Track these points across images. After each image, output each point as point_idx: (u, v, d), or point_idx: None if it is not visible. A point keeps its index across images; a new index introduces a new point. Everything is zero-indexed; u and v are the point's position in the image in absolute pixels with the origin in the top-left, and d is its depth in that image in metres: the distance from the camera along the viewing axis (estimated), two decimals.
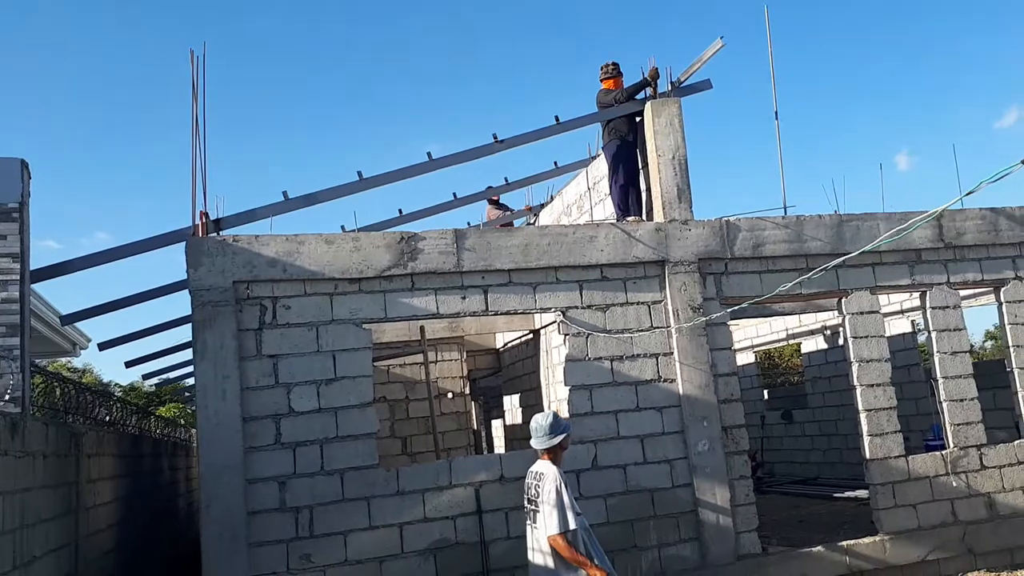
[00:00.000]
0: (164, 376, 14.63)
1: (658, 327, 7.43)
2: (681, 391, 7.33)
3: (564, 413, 10.49)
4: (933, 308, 8.31)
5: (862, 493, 10.48)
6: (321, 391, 6.56)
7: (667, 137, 7.79)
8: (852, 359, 8.01)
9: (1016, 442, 8.28)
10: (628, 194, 8.00)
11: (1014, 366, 8.45)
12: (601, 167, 9.34)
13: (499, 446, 18.10)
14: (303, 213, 7.18)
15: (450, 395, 11.30)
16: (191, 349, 7.11)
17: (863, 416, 7.90)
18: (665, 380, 7.38)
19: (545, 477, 4.75)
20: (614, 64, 8.34)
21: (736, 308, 7.57)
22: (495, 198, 10.88)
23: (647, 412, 7.28)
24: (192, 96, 6.78)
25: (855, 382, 7.99)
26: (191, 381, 17.63)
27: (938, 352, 8.24)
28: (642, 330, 7.39)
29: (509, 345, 13.14)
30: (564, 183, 10.92)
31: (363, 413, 6.62)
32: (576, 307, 7.29)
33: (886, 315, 13.00)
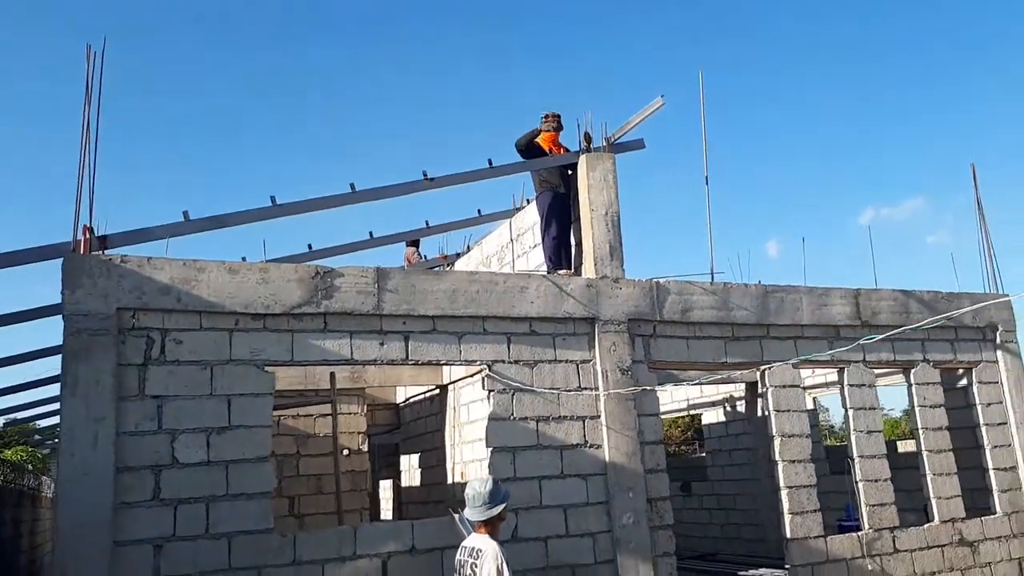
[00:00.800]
0: (12, 416, 12.98)
1: (587, 388, 7.00)
2: (607, 458, 6.89)
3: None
4: (850, 386, 8.30)
5: (765, 572, 10.27)
6: (212, 441, 5.70)
7: (601, 192, 7.52)
8: (774, 433, 7.84)
9: (926, 525, 8.28)
10: (560, 247, 7.65)
11: (923, 448, 8.51)
12: (526, 218, 9.00)
13: (386, 509, 17.06)
14: (205, 239, 6.48)
15: (346, 452, 10.42)
16: (59, 383, 6.11)
17: (784, 493, 7.68)
18: (591, 445, 6.92)
19: (485, 555, 4.13)
20: (556, 115, 8.04)
21: (663, 372, 7.26)
22: (414, 240, 10.30)
23: (572, 480, 6.78)
24: (86, 96, 5.95)
25: (776, 457, 7.79)
26: (44, 423, 15.80)
27: (855, 431, 8.20)
28: (570, 390, 6.94)
29: (411, 400, 12.41)
30: (484, 233, 10.51)
31: (258, 469, 5.80)
32: (503, 361, 6.77)
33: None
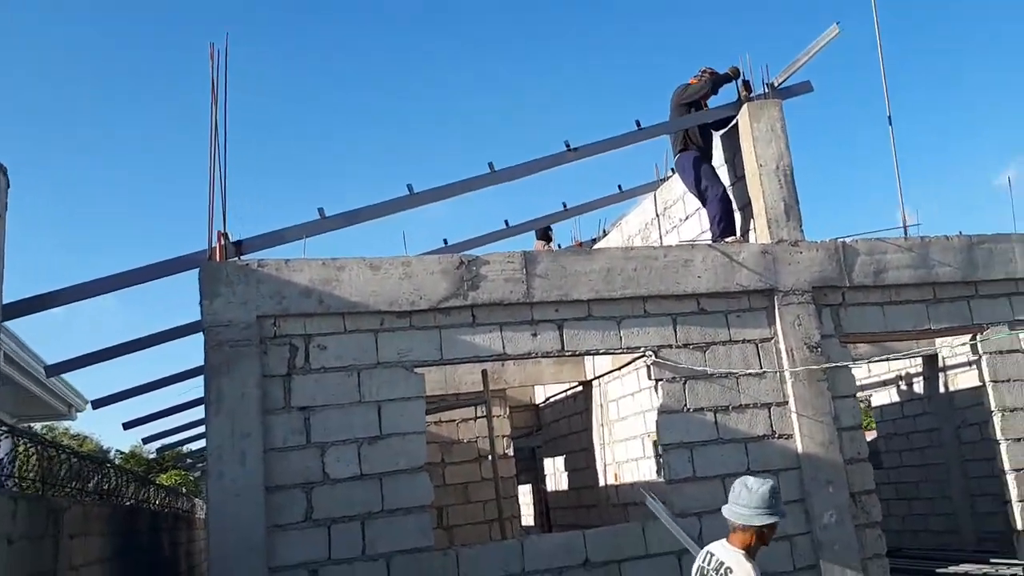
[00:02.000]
0: (164, 441, 13.23)
1: (770, 371, 6.10)
2: (800, 449, 5.96)
3: (633, 477, 9.00)
4: None
5: (974, 570, 8.95)
6: (363, 452, 5.22)
7: (769, 145, 6.60)
8: (993, 408, 6.66)
9: None
10: (727, 208, 6.73)
11: None
12: (675, 188, 8.16)
13: (526, 515, 16.40)
14: (341, 236, 5.97)
15: (489, 458, 9.87)
16: (203, 404, 5.82)
17: (1010, 477, 6.51)
18: (780, 436, 6.01)
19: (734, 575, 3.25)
20: (712, 71, 7.13)
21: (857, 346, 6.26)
22: (545, 228, 9.62)
23: (761, 476, 5.88)
24: (211, 97, 5.62)
25: (998, 436, 6.62)
26: (194, 446, 16.17)
27: None
28: (750, 374, 6.06)
29: (552, 400, 11.78)
30: (621, 214, 9.73)
31: (414, 480, 5.26)
32: (670, 346, 5.98)
33: (951, 367, 11.63)
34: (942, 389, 11.89)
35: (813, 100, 7.02)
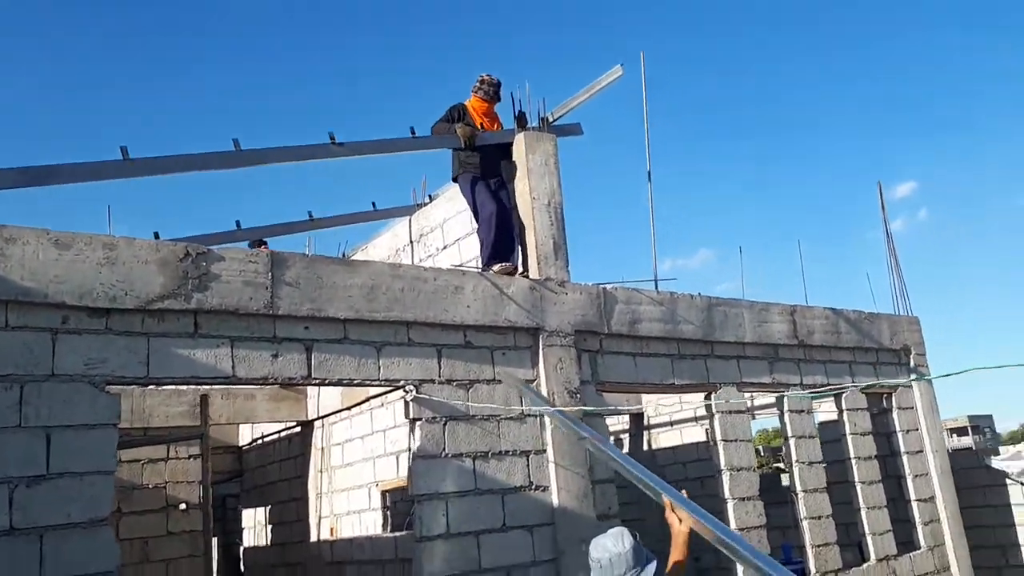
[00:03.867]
0: None
1: (530, 415, 5.62)
2: (556, 502, 5.52)
3: (354, 531, 7.92)
4: (791, 412, 7.53)
5: None
6: (17, 497, 3.72)
7: (543, 179, 6.28)
8: (723, 466, 6.84)
9: (864, 566, 7.60)
10: (501, 232, 6.17)
11: (856, 479, 7.89)
12: (434, 214, 7.57)
13: None
14: (25, 204, 4.40)
15: (183, 507, 8.25)
16: None
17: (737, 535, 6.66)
18: (537, 487, 5.53)
19: None
20: (494, 81, 6.56)
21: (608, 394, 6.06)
22: (260, 240, 8.17)
23: (515, 532, 5.33)
24: None
25: (726, 494, 6.79)
26: None
27: (797, 462, 7.41)
28: (512, 418, 5.53)
29: (259, 441, 10.35)
30: (361, 241, 8.90)
31: (93, 537, 3.87)
32: (432, 380, 5.25)
33: (676, 423, 12.47)
34: (645, 447, 12.57)
35: (588, 141, 6.88)
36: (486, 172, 6.30)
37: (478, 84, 6.51)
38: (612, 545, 2.70)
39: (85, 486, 3.90)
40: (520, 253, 6.19)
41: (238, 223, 6.80)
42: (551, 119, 6.65)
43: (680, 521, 3.16)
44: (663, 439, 12.57)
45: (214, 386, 6.85)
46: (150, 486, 8.18)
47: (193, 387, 8.75)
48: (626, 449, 12.56)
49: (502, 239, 6.07)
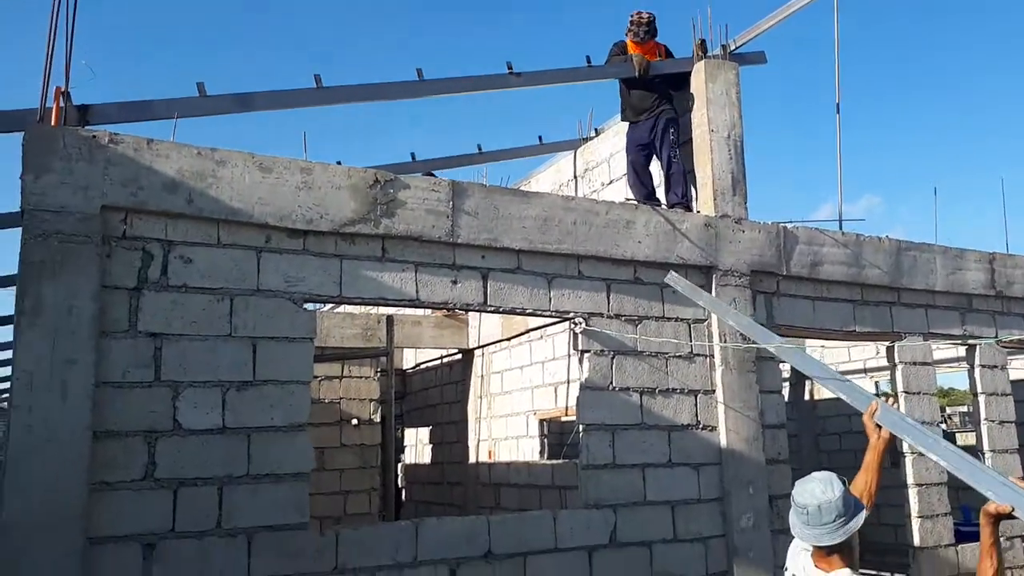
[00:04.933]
0: None
1: (699, 355, 5.51)
2: (724, 444, 5.42)
3: (511, 455, 8.22)
4: (982, 367, 6.95)
5: None
6: (229, 399, 4.09)
7: (723, 110, 5.99)
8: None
9: None
10: (685, 176, 6.02)
11: None
12: (600, 149, 7.44)
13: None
14: (226, 124, 4.73)
15: (355, 422, 8.83)
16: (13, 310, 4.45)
17: (912, 492, 6.31)
18: (704, 427, 5.44)
19: None
20: (651, 17, 6.32)
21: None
22: (429, 173, 8.43)
23: (680, 469, 5.30)
24: None
25: (906, 450, 6.40)
26: None
27: (986, 420, 6.86)
28: (680, 356, 5.44)
29: (422, 365, 10.84)
30: (526, 173, 8.91)
31: (292, 441, 4.20)
32: (601, 314, 5.24)
33: (845, 374, 11.86)
34: (807, 396, 12.09)
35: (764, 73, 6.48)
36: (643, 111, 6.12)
37: (628, 26, 6.21)
38: (820, 492, 2.56)
39: (286, 394, 4.22)
40: (683, 187, 6.01)
41: (413, 155, 6.99)
42: (733, 47, 6.28)
43: (879, 432, 3.02)
44: (824, 390, 12.00)
45: (395, 309, 7.13)
46: (326, 400, 8.79)
47: (365, 311, 9.24)
48: (784, 395, 12.14)
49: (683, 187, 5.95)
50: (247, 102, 4.61)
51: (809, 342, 10.34)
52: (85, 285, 3.79)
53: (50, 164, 3.83)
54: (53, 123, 3.98)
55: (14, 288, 3.90)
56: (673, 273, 5.23)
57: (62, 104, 4.04)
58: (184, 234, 4.13)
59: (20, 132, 3.89)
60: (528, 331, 8.07)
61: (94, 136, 3.96)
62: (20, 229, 3.80)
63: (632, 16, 6.32)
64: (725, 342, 5.52)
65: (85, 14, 4.12)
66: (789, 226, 6.07)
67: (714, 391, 5.51)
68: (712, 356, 5.54)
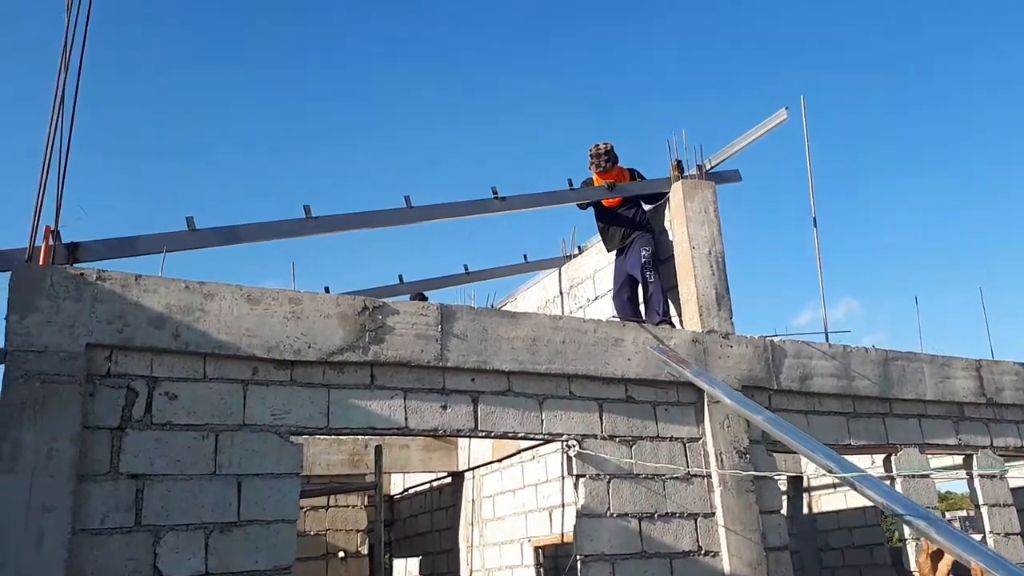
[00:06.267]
0: None
1: (697, 476, 5.39)
2: (727, 569, 5.21)
3: None
4: (980, 476, 6.84)
5: None
6: (212, 543, 3.90)
7: (702, 227, 6.13)
8: (907, 537, 6.27)
9: None
10: (664, 295, 6.12)
11: None
12: (584, 265, 7.54)
13: None
14: (211, 259, 4.75)
15: (342, 555, 8.46)
16: None
17: None
18: (707, 553, 5.25)
19: None
20: (608, 147, 6.46)
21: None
22: (420, 294, 8.49)
23: None
24: (61, 57, 4.35)
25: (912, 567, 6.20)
26: None
27: (991, 533, 6.69)
28: (677, 478, 5.31)
29: (410, 491, 10.52)
30: (510, 291, 8.98)
31: None
32: (595, 436, 5.14)
33: (840, 486, 11.64)
34: (805, 510, 11.79)
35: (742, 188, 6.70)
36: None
37: (589, 160, 6.40)
38: None
39: (271, 534, 4.05)
40: (663, 305, 6.12)
41: (400, 277, 7.04)
42: (708, 166, 6.51)
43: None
44: (824, 502, 11.76)
45: (385, 436, 6.99)
46: (311, 533, 8.46)
47: (351, 437, 9.04)
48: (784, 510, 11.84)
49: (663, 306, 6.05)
50: (234, 235, 4.66)
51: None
52: (66, 426, 3.68)
53: (37, 303, 3.80)
54: (42, 262, 3.98)
55: None
56: (656, 345, 5.34)
57: (51, 243, 4.05)
58: (170, 369, 4.06)
59: (7, 272, 3.88)
60: (519, 452, 7.90)
61: (81, 274, 3.95)
62: None
63: (591, 150, 6.48)
64: (721, 462, 5.42)
65: (78, 153, 4.21)
66: (776, 339, 6.09)
67: (714, 513, 5.35)
68: (709, 476, 5.42)
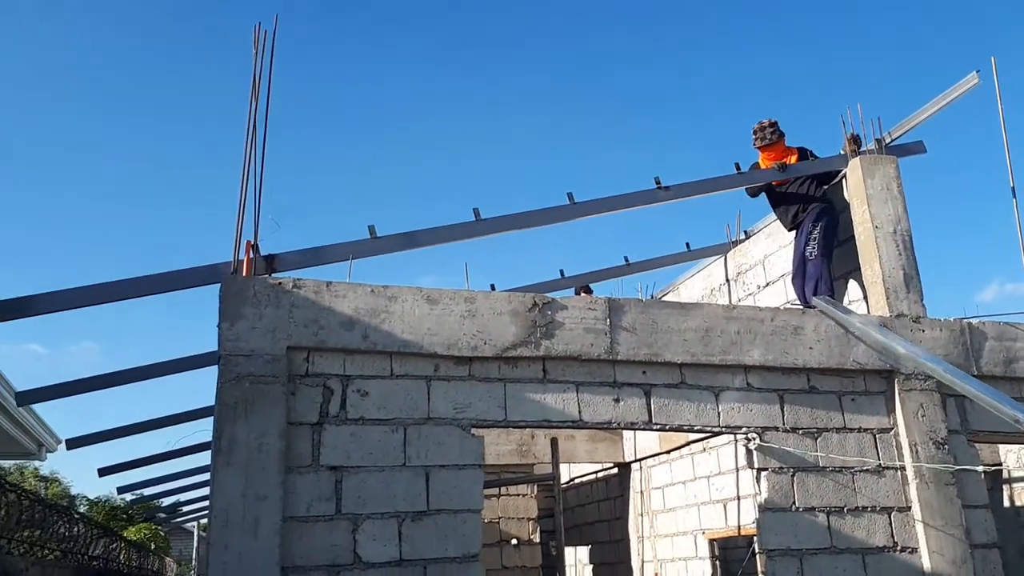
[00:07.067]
0: (143, 491, 11.94)
1: (888, 468, 5.06)
2: (927, 567, 4.87)
3: None
4: None
5: None
6: (405, 531, 4.12)
7: (885, 204, 5.73)
8: None
9: None
10: (830, 275, 5.83)
11: None
12: (752, 251, 7.27)
13: None
14: (391, 263, 5.00)
15: (515, 542, 8.68)
16: (195, 454, 4.74)
17: None
18: (903, 549, 4.93)
19: None
20: (772, 121, 6.29)
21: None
22: (586, 286, 8.56)
23: None
24: (252, 87, 4.73)
25: None
26: (167, 501, 14.72)
27: None
28: (867, 470, 5.02)
29: (576, 481, 10.61)
30: (671, 281, 8.81)
31: (467, 572, 4.16)
32: (776, 428, 4.96)
33: (1016, 480, 10.55)
34: (1006, 503, 10.78)
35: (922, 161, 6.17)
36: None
37: (753, 139, 6.22)
38: None
39: (458, 523, 4.22)
40: (826, 285, 5.79)
41: (562, 271, 7.10)
42: (888, 139, 6.07)
43: None
44: None
45: (561, 429, 7.07)
46: (485, 520, 8.70)
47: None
48: None
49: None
50: (413, 240, 4.87)
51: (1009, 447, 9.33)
52: (273, 423, 4.01)
53: (242, 311, 4.15)
54: (245, 273, 4.34)
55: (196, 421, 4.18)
56: (817, 299, 5.35)
57: (252, 256, 4.42)
58: (360, 368, 4.32)
59: (215, 284, 4.27)
60: (688, 443, 7.76)
61: (279, 283, 4.28)
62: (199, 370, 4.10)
63: (754, 127, 6.33)
64: (917, 454, 5.06)
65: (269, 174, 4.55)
66: (975, 321, 5.60)
67: (909, 508, 5.01)
68: (903, 469, 5.08)
